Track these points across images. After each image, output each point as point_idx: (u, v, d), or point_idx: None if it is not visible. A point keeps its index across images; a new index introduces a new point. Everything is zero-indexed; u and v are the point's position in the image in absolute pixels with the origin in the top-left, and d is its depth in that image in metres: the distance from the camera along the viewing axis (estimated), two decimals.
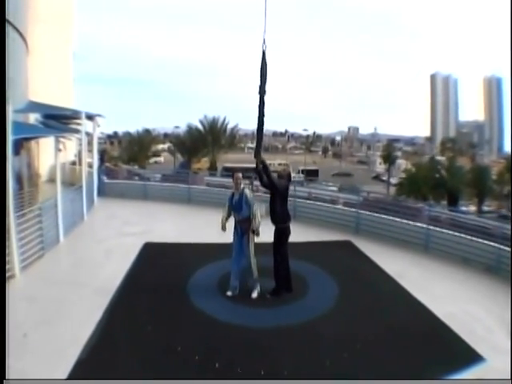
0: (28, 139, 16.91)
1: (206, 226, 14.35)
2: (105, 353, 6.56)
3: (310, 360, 6.58)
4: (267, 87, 8.95)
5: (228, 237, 9.20)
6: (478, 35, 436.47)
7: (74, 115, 17.56)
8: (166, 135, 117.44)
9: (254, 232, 8.81)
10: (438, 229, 12.95)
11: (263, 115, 9.02)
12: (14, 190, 10.08)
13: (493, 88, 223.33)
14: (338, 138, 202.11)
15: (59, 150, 13.13)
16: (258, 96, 8.91)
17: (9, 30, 14.02)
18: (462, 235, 12.23)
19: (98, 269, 10.44)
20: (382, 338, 7.34)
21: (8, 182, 8.88)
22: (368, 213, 14.74)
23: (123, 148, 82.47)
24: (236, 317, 7.99)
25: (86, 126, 17.73)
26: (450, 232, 12.65)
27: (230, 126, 70.27)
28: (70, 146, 23.57)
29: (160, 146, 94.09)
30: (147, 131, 78.98)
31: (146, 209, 17.96)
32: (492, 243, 11.42)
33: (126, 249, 11.73)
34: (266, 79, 9.00)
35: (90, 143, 19.50)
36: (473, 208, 53.12)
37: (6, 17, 11.99)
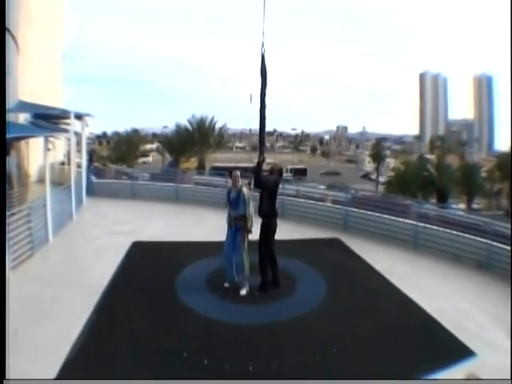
0: (18, 139, 16.89)
1: (193, 225, 14.50)
2: (93, 351, 6.57)
3: (298, 356, 6.62)
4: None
5: (215, 235, 9.26)
6: (468, 34, 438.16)
7: (63, 115, 17.54)
8: (154, 135, 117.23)
9: (248, 231, 8.97)
10: (427, 225, 13.03)
11: (265, 118, 9.19)
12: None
13: (483, 86, 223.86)
14: (327, 137, 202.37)
15: (48, 150, 13.12)
16: (257, 98, 9.04)
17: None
18: (452, 231, 12.31)
19: (87, 268, 10.47)
20: (371, 334, 7.40)
21: (4, 182, 8.89)
22: (356, 210, 14.79)
23: (112, 148, 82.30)
24: (224, 314, 8.03)
25: (74, 125, 17.70)
26: (440, 228, 12.72)
27: (218, 126, 70.27)
28: (59, 146, 23.50)
29: (148, 146, 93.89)
30: (136, 131, 78.70)
31: (135, 208, 17.93)
32: (483, 239, 11.48)
33: (114, 248, 11.70)
34: (266, 82, 9.11)
35: (78, 143, 19.42)
36: (462, 206, 53.40)
37: None
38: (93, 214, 16.75)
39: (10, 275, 9.17)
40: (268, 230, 9.09)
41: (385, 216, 13.96)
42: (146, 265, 10.73)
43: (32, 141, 18.72)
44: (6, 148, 12.45)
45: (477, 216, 19.48)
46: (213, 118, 68.93)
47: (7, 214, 9.59)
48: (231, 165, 20.40)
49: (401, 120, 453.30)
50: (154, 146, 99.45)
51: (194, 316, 7.88)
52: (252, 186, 9.56)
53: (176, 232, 13.93)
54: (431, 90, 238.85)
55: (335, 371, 6.23)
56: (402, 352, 6.83)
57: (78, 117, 17.80)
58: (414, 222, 13.16)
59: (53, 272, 10.25)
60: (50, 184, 12.74)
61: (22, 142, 18.23)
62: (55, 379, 5.45)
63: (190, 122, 68.26)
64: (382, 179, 73.73)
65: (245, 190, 9.04)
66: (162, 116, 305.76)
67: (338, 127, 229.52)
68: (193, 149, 67.70)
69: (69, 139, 18.68)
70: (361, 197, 18.21)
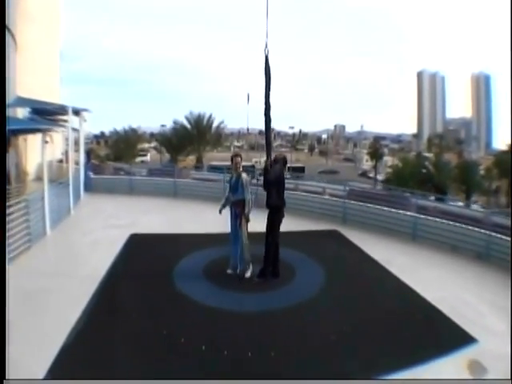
0: (16, 135, 16.88)
1: (191, 218, 14.52)
2: (90, 337, 6.53)
3: (297, 342, 6.59)
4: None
5: (212, 228, 9.25)
6: (465, 32, 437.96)
7: (60, 110, 17.50)
8: (152, 135, 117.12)
9: (246, 216, 9.07)
10: (425, 217, 13.04)
11: (270, 120, 9.23)
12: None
13: (481, 85, 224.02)
14: (325, 136, 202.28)
15: (46, 142, 13.08)
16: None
17: None
18: (451, 223, 12.32)
19: (85, 259, 10.43)
20: (371, 321, 7.37)
21: (4, 177, 8.87)
22: (355, 202, 14.82)
23: (110, 146, 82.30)
24: (222, 302, 8.00)
25: (72, 122, 17.68)
26: (438, 220, 12.72)
27: (215, 123, 70.17)
28: (57, 144, 23.51)
29: (146, 145, 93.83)
30: (133, 130, 78.64)
31: (132, 203, 17.99)
32: (481, 230, 11.50)
33: (112, 240, 11.68)
34: (270, 84, 9.18)
35: (76, 143, 19.44)
36: (460, 204, 53.53)
37: None
38: (90, 209, 16.75)
39: (8, 267, 9.14)
40: (274, 220, 9.14)
41: (383, 208, 14.01)
42: (144, 255, 10.75)
43: (30, 138, 18.76)
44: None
45: (475, 210, 19.35)
46: (211, 115, 68.84)
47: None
48: (229, 163, 20.20)
49: (398, 119, 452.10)
50: (152, 144, 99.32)
51: (191, 304, 7.86)
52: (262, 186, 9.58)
53: (173, 226, 13.90)
54: (429, 88, 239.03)
55: (334, 358, 6.19)
56: (404, 338, 6.81)
57: (76, 112, 17.76)
58: (413, 214, 13.16)
59: (50, 264, 10.24)
60: (48, 181, 12.74)
61: (20, 140, 18.27)
62: (55, 379, 5.39)
63: (187, 118, 68.12)
64: (379, 177, 73.73)
65: (244, 175, 9.15)
66: (159, 115, 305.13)
67: (335, 126, 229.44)
68: (191, 146, 67.59)
69: (67, 139, 18.73)
70: (359, 190, 18.22)
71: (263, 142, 9.66)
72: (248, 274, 9.16)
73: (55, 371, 5.52)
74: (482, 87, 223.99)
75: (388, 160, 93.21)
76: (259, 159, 61.11)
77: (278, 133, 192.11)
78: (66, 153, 20.53)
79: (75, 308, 7.39)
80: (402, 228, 13.14)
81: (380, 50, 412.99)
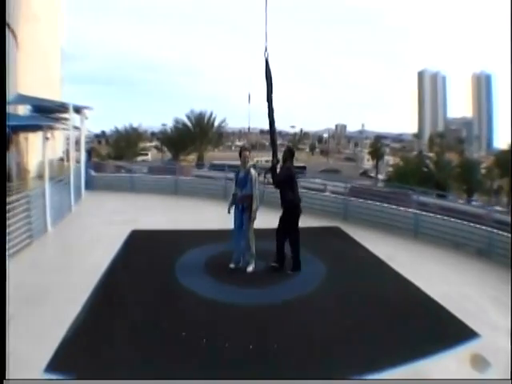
0: (17, 133, 16.87)
1: (192, 215, 14.54)
2: (91, 330, 6.50)
3: (300, 334, 6.57)
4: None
5: (214, 224, 9.25)
6: (466, 32, 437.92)
7: (61, 107, 17.47)
8: (153, 134, 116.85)
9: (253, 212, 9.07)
10: (427, 214, 13.03)
11: (274, 122, 9.28)
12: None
13: (482, 85, 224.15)
14: (326, 136, 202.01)
15: (47, 139, 13.05)
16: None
17: None
18: (452, 219, 12.32)
19: (86, 254, 10.37)
20: (374, 314, 7.38)
21: (5, 172, 8.86)
22: (356, 199, 14.83)
23: (110, 145, 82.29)
24: (223, 295, 8.00)
25: (73, 120, 17.67)
26: (440, 217, 12.70)
27: (217, 121, 70.11)
28: (58, 143, 23.50)
29: (147, 144, 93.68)
30: (134, 129, 78.51)
31: (133, 200, 17.98)
32: (483, 227, 11.49)
33: (113, 236, 11.66)
34: (271, 87, 9.23)
35: (77, 143, 19.41)
36: (461, 201, 53.42)
37: None
38: (91, 206, 16.76)
39: (8, 262, 9.13)
40: (292, 217, 9.34)
41: (385, 205, 14.00)
42: (145, 250, 10.74)
43: (31, 137, 18.74)
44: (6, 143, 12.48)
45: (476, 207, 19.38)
46: (212, 114, 68.82)
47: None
48: (231, 162, 20.27)
49: (400, 118, 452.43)
50: (153, 144, 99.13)
51: (193, 297, 7.84)
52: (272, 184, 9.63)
53: (174, 223, 13.89)
54: (430, 88, 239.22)
55: (337, 351, 6.17)
56: (406, 331, 6.79)
57: (77, 110, 17.73)
58: (414, 211, 13.13)
59: (51, 259, 10.29)
60: (49, 179, 12.75)
61: (21, 137, 18.24)
62: (55, 379, 5.35)
63: (188, 117, 68.15)
64: (381, 177, 73.72)
65: (253, 171, 9.13)
66: (160, 115, 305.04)
67: (336, 126, 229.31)
68: (192, 145, 67.59)
69: (68, 138, 18.75)
70: (360, 187, 18.21)
71: (264, 141, 9.77)
72: (250, 269, 9.14)
73: (55, 364, 5.48)
74: (483, 87, 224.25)
75: (389, 159, 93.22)
76: (260, 158, 61.28)
77: (280, 132, 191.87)
78: (67, 152, 20.54)
79: (75, 302, 7.34)
80: (404, 225, 13.12)
81: (381, 50, 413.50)
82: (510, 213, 12.44)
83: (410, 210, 13.41)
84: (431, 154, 73.82)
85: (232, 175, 10.11)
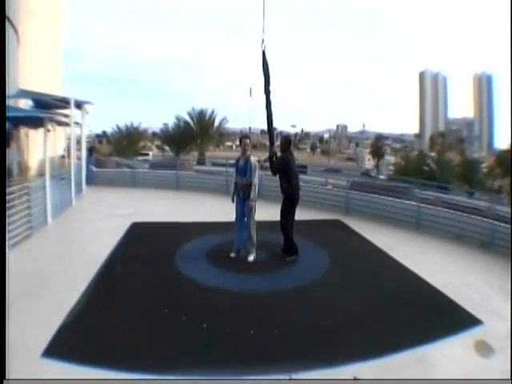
0: (18, 129, 16.87)
1: (192, 208, 14.56)
2: (90, 316, 6.47)
3: (301, 319, 6.56)
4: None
5: (215, 216, 9.25)
6: (467, 32, 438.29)
7: (62, 102, 17.44)
8: (154, 134, 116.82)
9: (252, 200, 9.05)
10: (429, 206, 13.04)
11: (271, 114, 9.41)
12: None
13: (483, 85, 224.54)
14: (327, 136, 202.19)
15: (48, 131, 13.04)
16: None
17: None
18: (454, 212, 12.32)
19: (86, 245, 10.40)
20: (377, 302, 7.38)
21: (4, 165, 8.85)
22: (357, 192, 14.84)
23: (112, 143, 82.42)
24: (224, 282, 8.02)
25: (74, 116, 17.64)
26: (442, 209, 12.72)
27: (218, 119, 70.17)
28: (59, 141, 23.49)
29: (148, 144, 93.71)
30: (135, 128, 78.54)
31: (134, 195, 17.98)
32: (485, 219, 11.52)
33: (113, 229, 11.65)
34: (269, 79, 9.25)
35: (78, 142, 19.48)
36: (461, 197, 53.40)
37: None
38: (92, 200, 16.79)
39: (8, 253, 9.15)
40: (286, 205, 9.43)
41: (387, 198, 13.97)
42: (145, 241, 10.74)
43: (32, 134, 18.73)
44: (7, 139, 12.47)
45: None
46: (213, 111, 68.94)
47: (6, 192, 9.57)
48: (231, 161, 20.10)
49: (401, 119, 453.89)
50: (154, 144, 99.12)
51: (194, 284, 7.84)
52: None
53: (175, 216, 13.84)
54: (431, 88, 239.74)
55: (341, 335, 6.16)
56: (410, 318, 6.76)
57: (78, 106, 17.71)
58: (416, 204, 13.11)
59: (51, 249, 10.30)
60: (51, 176, 12.77)
61: (22, 134, 18.22)
62: (55, 379, 5.32)
63: (189, 114, 68.26)
64: (382, 177, 73.69)
65: (253, 159, 9.11)
66: (161, 115, 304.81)
67: (337, 126, 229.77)
68: (193, 142, 67.67)
69: (69, 138, 18.77)
70: (361, 181, 18.23)
71: (265, 141, 9.83)
72: (251, 258, 9.12)
73: (53, 348, 5.46)
74: (484, 87, 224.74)
75: (390, 159, 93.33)
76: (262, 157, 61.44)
77: (280, 132, 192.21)
78: (68, 149, 20.56)
79: (74, 290, 7.33)
80: (406, 217, 13.08)
81: (382, 50, 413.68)
82: (510, 207, 12.43)
83: (411, 202, 13.39)
84: (432, 154, 73.80)
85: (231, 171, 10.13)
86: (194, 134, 67.05)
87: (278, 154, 9.56)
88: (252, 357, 5.48)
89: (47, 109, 17.57)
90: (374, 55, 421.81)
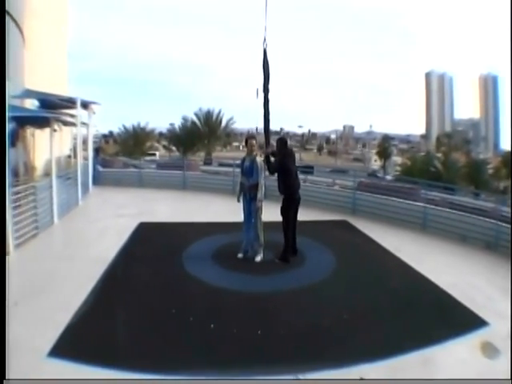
0: (24, 128, 16.89)
1: (199, 208, 14.58)
2: (97, 317, 6.46)
3: (307, 320, 6.54)
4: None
5: (221, 216, 9.25)
6: (473, 33, 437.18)
7: (69, 102, 17.46)
8: (161, 134, 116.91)
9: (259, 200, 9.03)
10: (435, 207, 13.02)
11: (268, 113, 9.34)
12: (10, 182, 10.03)
13: (489, 86, 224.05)
14: (333, 137, 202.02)
15: (55, 130, 13.07)
16: (262, 95, 9.24)
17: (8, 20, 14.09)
18: (460, 213, 12.29)
19: (93, 245, 10.39)
20: (383, 302, 7.39)
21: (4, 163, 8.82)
22: (364, 193, 14.81)
23: (119, 144, 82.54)
24: (231, 283, 8.01)
25: (81, 116, 17.65)
26: (448, 210, 12.68)
27: (225, 119, 70.21)
28: (65, 141, 23.53)
29: (155, 144, 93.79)
30: (141, 129, 78.58)
31: (141, 195, 18.01)
32: (490, 220, 11.49)
33: (120, 229, 11.68)
34: (268, 77, 9.23)
35: (84, 142, 19.47)
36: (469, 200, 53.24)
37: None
38: (99, 200, 16.88)
39: (14, 252, 9.17)
40: (285, 205, 9.30)
41: (393, 199, 13.94)
42: (153, 241, 10.75)
43: (38, 134, 18.76)
44: (12, 139, 12.48)
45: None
46: (220, 112, 69.01)
47: (12, 192, 9.58)
48: (237, 162, 20.08)
49: (407, 119, 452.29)
50: (161, 144, 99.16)
51: (201, 284, 7.84)
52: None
53: (182, 217, 13.83)
54: (437, 89, 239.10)
55: (348, 336, 6.15)
56: (416, 319, 6.75)
57: (85, 106, 17.72)
58: (422, 204, 13.07)
59: (57, 249, 10.42)
60: (57, 176, 12.83)
61: (28, 134, 18.26)
62: (55, 379, 5.31)
63: (197, 115, 68.36)
64: (388, 177, 73.65)
65: (259, 159, 9.09)
66: (168, 115, 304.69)
67: (344, 126, 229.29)
68: (200, 143, 67.76)
69: (75, 138, 18.82)
70: (368, 181, 18.23)
71: (272, 141, 9.74)
72: (258, 259, 9.11)
73: (60, 348, 5.45)
74: (490, 88, 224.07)
75: (397, 160, 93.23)
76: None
77: (287, 132, 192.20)
78: (75, 148, 20.59)
79: (80, 290, 7.31)
80: (412, 218, 13.05)
81: (389, 51, 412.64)
82: (511, 207, 12.39)
83: (417, 203, 13.35)
84: (439, 155, 73.71)
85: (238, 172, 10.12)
86: (201, 135, 67.12)
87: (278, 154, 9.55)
88: (258, 357, 5.47)
89: (53, 109, 17.59)
90: (381, 56, 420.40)
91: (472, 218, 11.94)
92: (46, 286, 7.62)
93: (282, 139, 9.83)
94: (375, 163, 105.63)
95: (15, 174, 14.60)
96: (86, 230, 12.08)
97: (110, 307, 6.83)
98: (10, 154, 10.75)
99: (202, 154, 68.16)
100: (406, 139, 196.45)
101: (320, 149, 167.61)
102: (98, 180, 20.08)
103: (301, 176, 12.92)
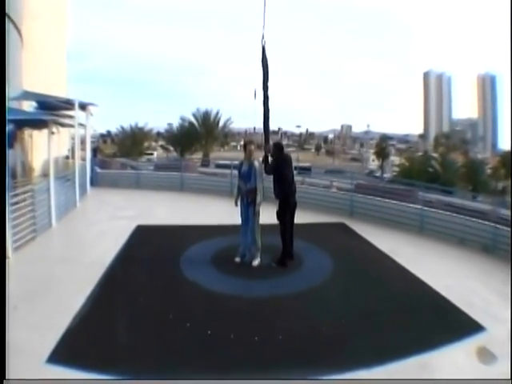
0: (21, 129, 16.89)
1: (197, 211, 14.59)
2: (96, 321, 6.49)
3: (305, 325, 6.55)
4: (261, 84, 9.18)
5: (219, 219, 9.26)
6: (472, 33, 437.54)
7: (66, 104, 17.46)
8: (158, 134, 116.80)
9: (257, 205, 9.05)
10: (432, 210, 13.03)
11: (268, 111, 9.26)
12: (9, 183, 10.02)
13: (487, 85, 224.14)
14: (331, 136, 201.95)
15: (52, 133, 13.06)
16: (261, 94, 9.20)
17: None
18: (457, 215, 12.32)
19: (91, 249, 10.41)
20: (379, 307, 7.38)
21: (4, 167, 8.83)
22: (361, 195, 14.85)
23: (116, 144, 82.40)
24: (228, 287, 8.00)
25: (79, 117, 17.64)
26: (445, 213, 12.69)
27: (222, 120, 70.10)
28: (63, 142, 23.53)
29: (153, 144, 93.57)
30: (140, 129, 78.38)
31: (139, 196, 18.03)
32: (488, 222, 11.48)
33: (118, 231, 11.67)
34: (267, 75, 9.18)
35: (82, 142, 19.47)
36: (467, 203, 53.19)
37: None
38: (96, 202, 16.86)
39: (12, 256, 9.17)
40: (281, 210, 9.34)
41: (390, 201, 13.97)
42: (150, 245, 10.74)
43: (36, 135, 18.77)
44: (10, 140, 12.47)
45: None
46: (218, 112, 68.89)
47: (9, 195, 9.58)
48: (236, 162, 20.10)
49: (405, 119, 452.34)
50: (159, 143, 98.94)
51: (198, 289, 7.86)
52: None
53: (180, 219, 13.86)
54: (435, 89, 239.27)
55: (344, 341, 6.17)
56: (413, 324, 6.77)
57: (82, 107, 17.72)
58: (419, 207, 13.10)
59: (55, 252, 10.37)
60: (55, 177, 12.78)
61: (26, 135, 18.27)
62: (55, 379, 5.31)
63: (194, 115, 68.24)
64: (386, 176, 73.65)
65: (257, 163, 9.08)
66: (166, 115, 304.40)
67: (342, 126, 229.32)
68: (198, 143, 67.69)
69: (73, 138, 18.83)
70: (365, 183, 18.25)
71: (270, 141, 9.67)
72: (256, 263, 9.12)
73: (59, 353, 5.46)
74: (488, 88, 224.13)
75: (395, 160, 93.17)
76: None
77: (285, 133, 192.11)
78: (72, 149, 20.58)
79: (79, 294, 7.32)
80: (409, 220, 13.08)
81: (387, 50, 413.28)
82: (511, 210, 12.41)
83: (414, 205, 13.38)
84: (436, 155, 73.65)
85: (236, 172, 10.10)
86: (199, 135, 67.03)
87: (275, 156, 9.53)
88: (255, 363, 5.49)
89: (51, 110, 17.60)
90: (379, 55, 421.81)
91: (469, 220, 11.95)
92: (45, 290, 7.62)
93: (278, 144, 9.81)
94: (373, 163, 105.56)
95: (13, 175, 14.60)
96: (83, 233, 12.09)
97: (107, 313, 6.84)
98: (8, 155, 10.74)
99: (199, 155, 68.04)
100: (404, 139, 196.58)
101: (318, 149, 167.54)
102: (95, 181, 20.08)
103: (298, 178, 12.94)
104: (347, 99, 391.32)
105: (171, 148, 77.16)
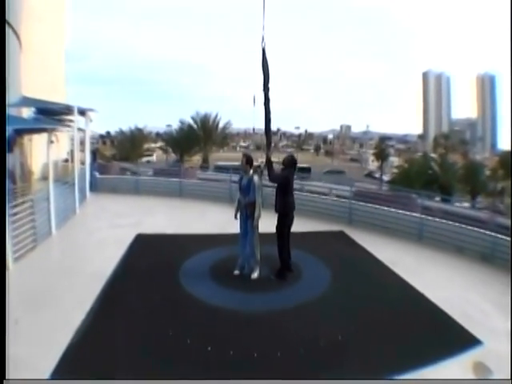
0: (21, 135, 16.88)
1: (196, 219, 14.60)
2: (97, 336, 6.51)
3: (303, 340, 6.57)
4: (260, 87, 9.14)
5: (218, 227, 9.25)
6: (471, 33, 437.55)
7: (66, 110, 17.46)
8: (158, 134, 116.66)
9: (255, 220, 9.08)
10: (431, 218, 13.06)
11: (269, 112, 9.21)
12: (8, 187, 10.03)
13: (486, 86, 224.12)
14: (330, 137, 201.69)
15: (51, 142, 13.06)
16: (262, 96, 9.15)
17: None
18: (457, 224, 12.34)
19: (91, 258, 10.42)
20: (376, 321, 7.35)
21: (4, 174, 8.84)
22: (361, 203, 14.85)
23: (115, 146, 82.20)
24: (227, 302, 8.00)
25: (78, 121, 17.64)
26: (444, 221, 12.73)
27: (222, 123, 69.90)
28: (63, 145, 23.50)
29: (152, 145, 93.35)
30: (139, 130, 78.23)
31: (138, 203, 18.01)
32: (487, 232, 11.52)
33: (117, 240, 11.67)
34: (268, 76, 9.13)
35: (82, 143, 19.52)
36: (466, 204, 53.23)
37: None
38: (96, 209, 16.81)
39: (12, 267, 9.18)
40: (281, 224, 9.39)
41: (390, 209, 14.01)
42: (150, 255, 10.70)
43: (35, 138, 18.73)
44: (9, 145, 12.48)
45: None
46: (217, 115, 68.70)
47: (10, 206, 9.60)
48: (236, 163, 20.08)
49: (404, 119, 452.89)
50: (158, 144, 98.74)
51: (197, 303, 7.86)
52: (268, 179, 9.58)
53: (179, 226, 13.91)
54: (434, 89, 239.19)
55: (342, 358, 6.17)
56: (408, 339, 6.78)
57: (82, 112, 17.72)
58: (418, 215, 13.15)
59: (55, 262, 10.33)
60: (54, 181, 12.78)
61: (26, 139, 18.23)
62: (55, 379, 5.34)
63: (193, 118, 68.04)
64: (385, 178, 73.54)
65: (255, 177, 9.11)
66: (165, 116, 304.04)
67: (341, 126, 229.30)
68: (197, 146, 67.49)
69: (72, 139, 18.81)
70: (365, 190, 18.24)
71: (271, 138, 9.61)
72: (255, 275, 9.15)
73: (61, 370, 5.49)
74: (487, 88, 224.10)
75: (394, 160, 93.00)
76: (263, 159, 61.25)
77: (284, 133, 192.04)
78: (72, 152, 20.53)
79: (80, 307, 7.36)
80: (408, 229, 13.10)
81: (386, 51, 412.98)
82: (511, 217, 12.42)
83: (413, 214, 13.42)
84: (435, 156, 73.50)
85: (236, 177, 10.06)
86: (198, 138, 66.82)
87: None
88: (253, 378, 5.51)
89: (50, 115, 17.60)
90: (378, 55, 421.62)
91: (468, 229, 12.00)
92: (45, 302, 7.67)
93: (293, 158, 9.87)
94: (372, 164, 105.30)
95: (13, 178, 14.60)
96: (84, 242, 12.05)
97: (107, 328, 6.87)
98: (8, 159, 10.74)
99: (198, 158, 67.88)
100: (403, 139, 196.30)
101: (317, 149, 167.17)
102: (95, 186, 20.06)
103: (297, 180, 12.99)
104: (346, 99, 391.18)
105: (170, 150, 76.99)
